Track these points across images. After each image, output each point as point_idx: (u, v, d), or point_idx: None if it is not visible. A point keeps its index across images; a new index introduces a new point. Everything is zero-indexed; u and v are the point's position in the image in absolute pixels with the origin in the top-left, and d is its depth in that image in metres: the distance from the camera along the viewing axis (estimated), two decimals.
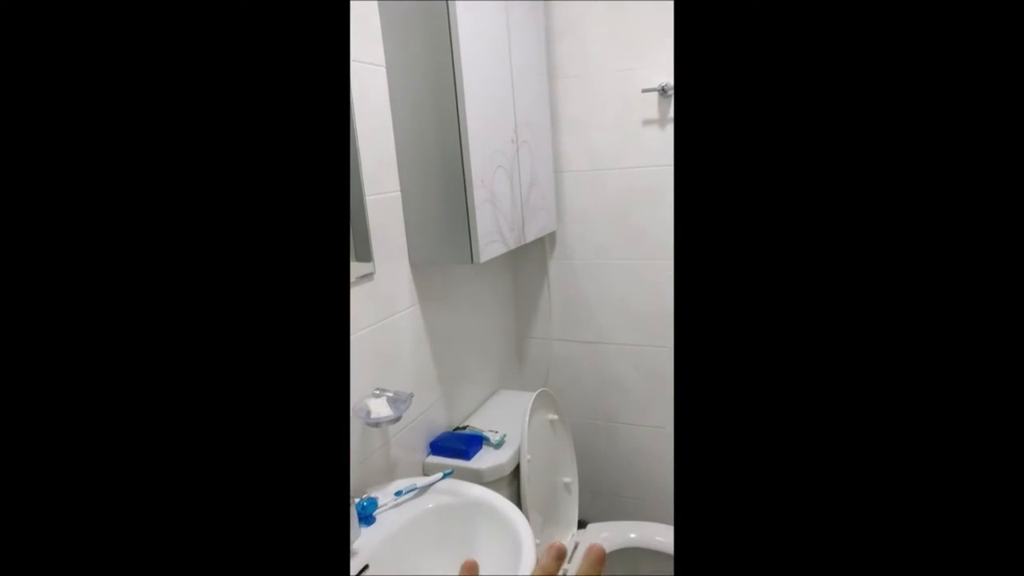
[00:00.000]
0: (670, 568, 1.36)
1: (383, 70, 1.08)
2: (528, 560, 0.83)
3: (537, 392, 1.32)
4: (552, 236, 1.61)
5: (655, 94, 1.40)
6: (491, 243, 1.17)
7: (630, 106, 1.44)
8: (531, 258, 1.65)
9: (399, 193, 1.15)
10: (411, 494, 1.00)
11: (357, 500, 0.95)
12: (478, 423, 1.36)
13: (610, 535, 1.41)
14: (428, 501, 0.99)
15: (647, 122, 1.43)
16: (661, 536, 1.37)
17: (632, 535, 1.40)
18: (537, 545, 1.23)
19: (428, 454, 1.25)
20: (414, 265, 1.19)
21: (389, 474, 1.13)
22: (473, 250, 1.13)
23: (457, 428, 1.34)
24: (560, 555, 0.31)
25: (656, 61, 1.38)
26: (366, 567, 0.87)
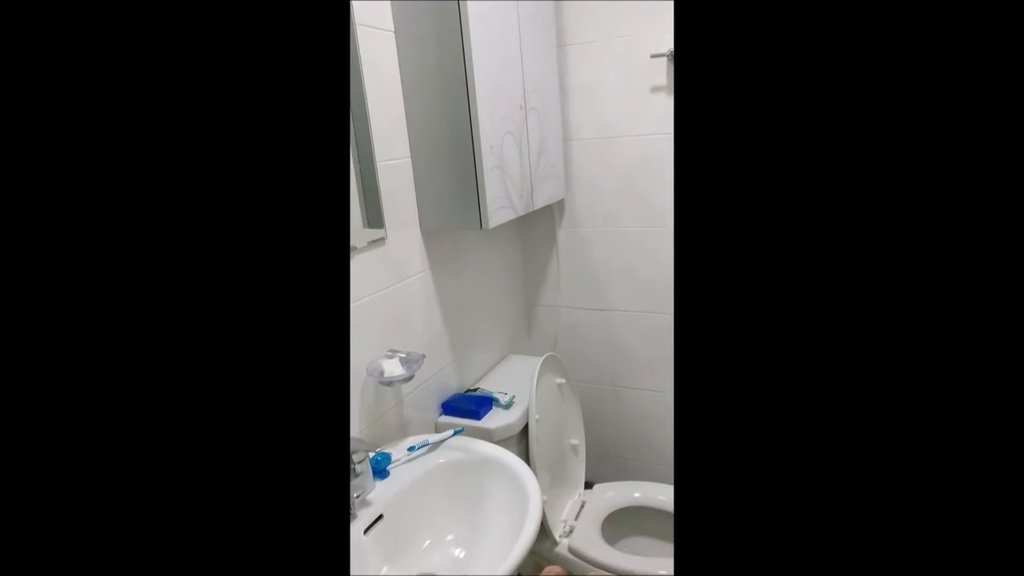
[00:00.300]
0: (670, 523, 1.41)
1: (392, 35, 1.09)
2: (535, 511, 0.87)
3: (545, 356, 1.35)
4: (561, 204, 1.63)
5: (664, 59, 1.39)
6: (500, 209, 1.19)
7: (639, 72, 1.43)
8: (540, 226, 1.67)
9: (409, 159, 1.16)
10: (423, 449, 1.05)
11: (371, 455, 0.99)
12: (488, 386, 1.40)
13: (615, 494, 1.45)
14: (439, 456, 1.04)
15: (655, 88, 1.42)
16: (663, 495, 1.41)
17: (636, 494, 1.45)
18: (544, 501, 1.28)
19: (440, 414, 1.29)
20: (425, 231, 1.21)
21: (402, 432, 1.17)
22: (482, 216, 1.15)
23: (468, 390, 1.38)
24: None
25: (665, 26, 1.37)
26: (380, 517, 0.91)
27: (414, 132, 1.15)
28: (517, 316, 1.71)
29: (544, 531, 1.32)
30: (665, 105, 1.43)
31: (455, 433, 1.09)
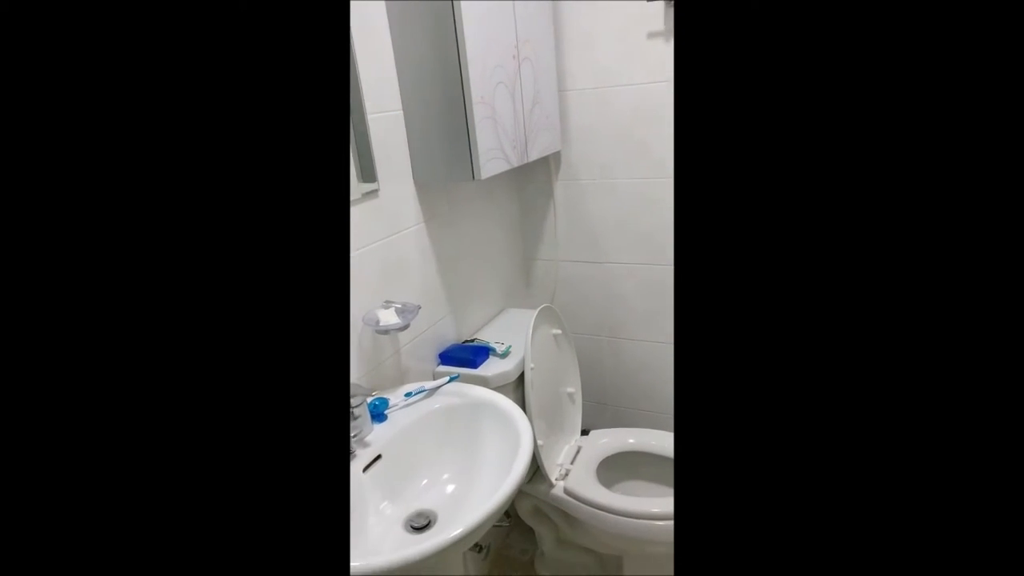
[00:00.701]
0: (662, 467, 1.46)
1: None
2: (526, 448, 0.91)
3: (540, 308, 1.38)
4: (557, 156, 1.62)
5: (661, 4, 1.36)
6: (492, 160, 1.19)
7: (635, 18, 1.40)
8: (536, 179, 1.67)
9: (401, 111, 1.16)
10: (420, 395, 1.09)
11: (369, 399, 1.03)
12: (486, 336, 1.44)
13: (609, 440, 1.50)
14: (435, 402, 1.08)
15: (652, 35, 1.40)
16: (655, 440, 1.46)
17: (631, 440, 1.49)
18: (540, 445, 1.33)
19: (438, 364, 1.33)
20: (419, 183, 1.22)
21: (401, 380, 1.22)
22: (474, 166, 1.15)
23: (466, 341, 1.41)
24: None
25: None
26: (379, 457, 0.96)
27: (405, 83, 1.15)
28: (515, 270, 1.73)
29: (540, 475, 1.38)
30: (663, 51, 1.40)
31: (451, 380, 1.13)
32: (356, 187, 1.06)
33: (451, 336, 1.40)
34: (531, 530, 1.56)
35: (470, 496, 0.96)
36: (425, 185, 1.24)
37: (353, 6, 1.01)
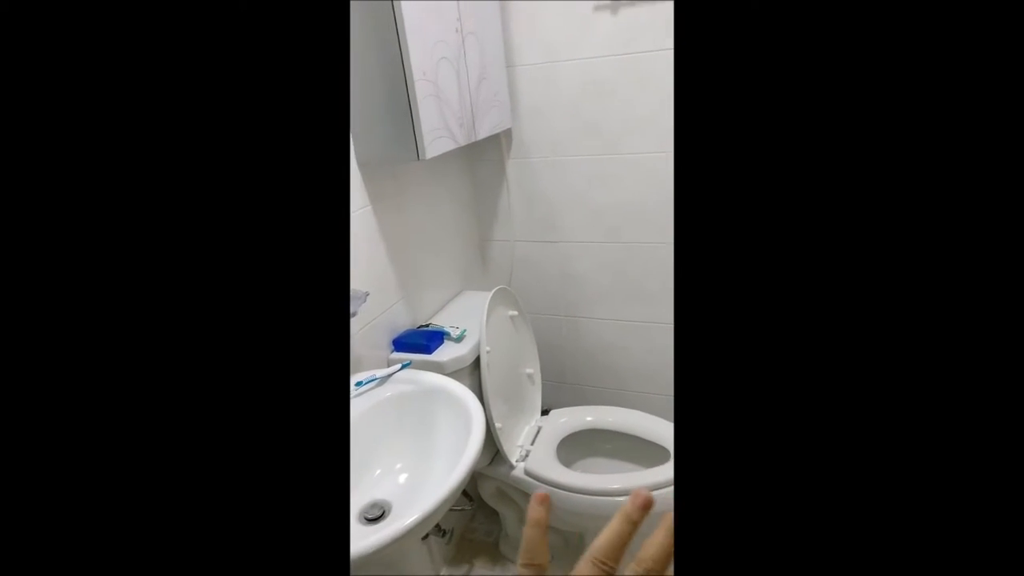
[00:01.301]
0: (620, 443, 1.47)
1: None
2: (478, 433, 0.90)
3: (495, 290, 1.36)
4: (508, 134, 1.59)
5: None
6: (438, 139, 1.16)
7: None
8: (488, 159, 1.63)
9: None
10: (371, 384, 1.06)
11: None
12: (441, 321, 1.41)
13: (568, 419, 1.50)
14: (387, 390, 1.05)
15: (599, 7, 1.37)
16: (612, 417, 1.47)
17: (588, 418, 1.50)
18: (500, 428, 1.32)
19: (392, 351, 1.30)
20: (362, 165, 1.18)
21: (353, 369, 1.18)
22: (419, 146, 1.11)
23: (420, 326, 1.38)
24: (543, 501, 0.29)
25: None
26: None
27: None
28: (470, 252, 1.70)
29: (500, 457, 1.37)
30: (609, 25, 1.38)
31: (403, 367, 1.10)
32: None
33: (405, 322, 1.37)
34: (495, 512, 1.56)
35: (424, 484, 0.94)
36: (369, 166, 1.19)
37: None
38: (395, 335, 1.32)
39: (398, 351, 1.29)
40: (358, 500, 0.93)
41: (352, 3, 1.04)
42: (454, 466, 0.84)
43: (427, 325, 1.39)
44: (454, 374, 1.24)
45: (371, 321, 1.24)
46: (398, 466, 0.99)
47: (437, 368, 1.23)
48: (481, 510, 1.68)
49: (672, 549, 0.27)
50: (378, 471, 0.98)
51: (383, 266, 1.27)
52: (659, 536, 0.27)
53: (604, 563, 0.26)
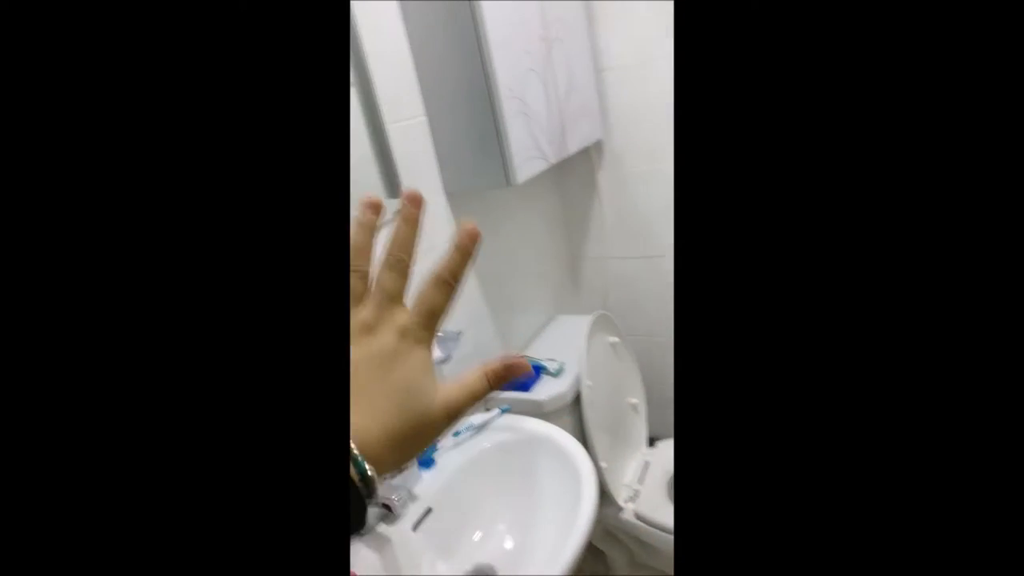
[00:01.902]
0: None
1: None
2: (589, 496, 0.79)
3: (594, 316, 1.25)
4: (598, 145, 1.47)
5: None
6: (528, 160, 1.06)
7: None
8: (577, 172, 1.52)
9: (425, 117, 1.04)
10: (469, 432, 0.98)
11: None
12: (536, 352, 1.31)
13: None
14: (486, 439, 0.97)
15: None
16: None
17: None
18: (605, 468, 1.20)
19: None
20: (450, 195, 1.10)
21: None
22: (508, 170, 1.02)
23: None
24: (373, 206, 0.30)
25: None
26: (429, 510, 0.86)
27: (426, 86, 1.02)
28: (561, 273, 1.59)
29: (607, 498, 1.25)
30: None
31: (502, 412, 1.01)
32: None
33: (498, 354, 1.28)
34: (602, 552, 1.44)
35: (533, 553, 0.84)
36: (456, 195, 1.11)
37: (364, 9, 0.89)
38: None
39: None
40: (460, 566, 0.85)
41: (435, 24, 0.96)
42: (566, 536, 0.75)
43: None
44: (554, 412, 1.14)
45: (464, 358, 1.16)
46: (501, 527, 0.90)
47: (535, 407, 1.13)
48: (587, 549, 1.56)
49: (414, 237, 0.29)
50: (479, 534, 0.89)
51: (474, 297, 1.20)
52: (401, 228, 0.29)
53: (399, 258, 0.29)
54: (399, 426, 0.27)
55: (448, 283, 0.29)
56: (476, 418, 1.00)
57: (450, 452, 0.95)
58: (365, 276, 0.29)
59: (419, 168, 1.04)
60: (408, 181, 1.00)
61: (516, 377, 0.32)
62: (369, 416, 0.26)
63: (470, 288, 1.18)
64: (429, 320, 0.29)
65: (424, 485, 0.88)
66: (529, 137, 1.06)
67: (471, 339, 1.17)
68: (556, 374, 1.20)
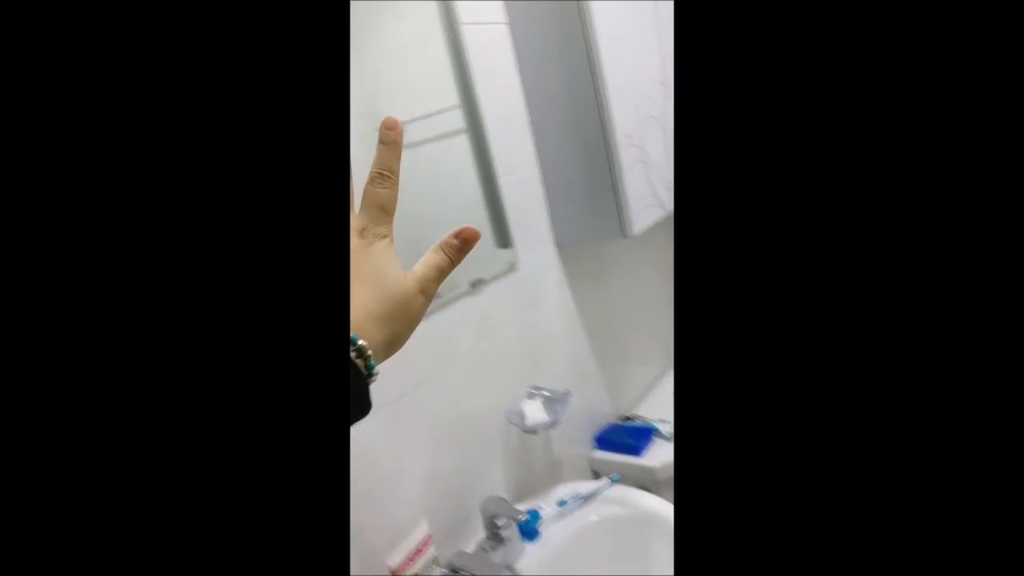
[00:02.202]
0: None
1: (505, 27, 0.95)
2: None
3: None
4: None
5: None
6: (645, 208, 1.00)
7: None
8: None
9: (537, 168, 1.02)
10: (576, 502, 0.91)
11: (519, 519, 0.87)
12: (647, 411, 1.22)
13: None
14: (594, 512, 0.89)
15: None
16: None
17: None
18: None
19: (594, 448, 1.14)
20: (560, 246, 1.06)
21: (554, 474, 1.04)
22: (623, 221, 0.97)
23: (625, 418, 1.21)
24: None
25: None
26: None
27: (540, 135, 1.00)
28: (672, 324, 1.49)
29: None
30: None
31: (612, 481, 0.93)
32: (492, 257, 0.93)
33: (608, 411, 1.20)
34: None
35: None
36: (567, 246, 1.07)
37: (475, 52, 0.89)
38: (597, 430, 1.16)
39: (601, 450, 1.13)
40: None
41: (548, 66, 0.94)
42: None
43: (632, 418, 1.20)
44: (668, 481, 1.04)
45: (573, 417, 1.09)
46: None
47: (647, 474, 1.04)
48: None
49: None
50: None
51: (583, 353, 1.13)
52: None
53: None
54: (377, 307, 0.30)
55: (384, 175, 0.32)
56: (584, 487, 0.93)
57: (555, 523, 0.88)
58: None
59: (530, 219, 1.01)
60: (518, 231, 0.97)
61: (468, 243, 0.33)
62: (350, 303, 0.29)
63: (579, 341, 1.12)
64: (380, 215, 0.31)
65: (528, 560, 0.82)
66: (647, 185, 1.00)
67: (578, 395, 1.10)
68: (670, 437, 1.10)
